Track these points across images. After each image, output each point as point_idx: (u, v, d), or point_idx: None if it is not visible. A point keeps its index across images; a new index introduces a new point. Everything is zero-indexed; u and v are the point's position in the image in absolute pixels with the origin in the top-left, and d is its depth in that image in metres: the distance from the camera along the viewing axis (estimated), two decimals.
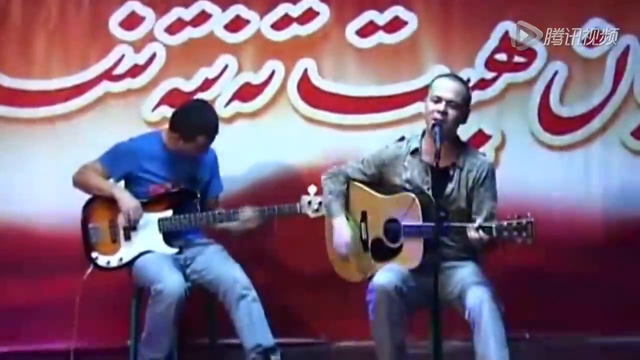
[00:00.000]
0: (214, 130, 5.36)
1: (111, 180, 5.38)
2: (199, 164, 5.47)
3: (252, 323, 5.16)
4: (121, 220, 5.29)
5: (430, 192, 4.83)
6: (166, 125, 5.46)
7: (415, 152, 4.93)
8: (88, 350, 5.62)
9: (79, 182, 5.39)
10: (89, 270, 5.30)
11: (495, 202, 4.87)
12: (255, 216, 5.37)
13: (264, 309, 5.22)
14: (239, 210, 5.37)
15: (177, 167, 5.40)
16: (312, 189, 5.38)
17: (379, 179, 5.03)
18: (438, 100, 4.80)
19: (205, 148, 5.40)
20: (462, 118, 4.86)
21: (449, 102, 4.78)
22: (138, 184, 5.38)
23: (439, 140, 4.71)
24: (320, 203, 5.34)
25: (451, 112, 4.78)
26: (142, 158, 5.38)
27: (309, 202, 5.39)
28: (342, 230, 5.01)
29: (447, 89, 4.81)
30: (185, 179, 5.42)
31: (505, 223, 4.58)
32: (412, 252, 4.83)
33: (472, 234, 4.65)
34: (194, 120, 5.33)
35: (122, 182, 5.41)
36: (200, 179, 5.48)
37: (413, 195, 4.84)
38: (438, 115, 4.77)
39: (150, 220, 5.31)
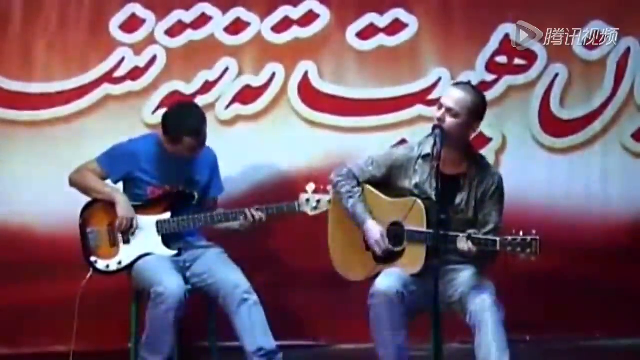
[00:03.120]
0: (199, 131, 5.32)
1: (109, 182, 5.38)
2: (197, 165, 5.47)
3: (253, 327, 5.16)
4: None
5: (436, 198, 4.79)
6: None
7: (427, 156, 4.91)
8: (88, 353, 5.61)
9: (76, 182, 5.38)
10: (89, 275, 5.29)
11: (501, 217, 4.87)
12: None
13: (264, 312, 5.22)
14: (238, 212, 5.37)
15: (174, 169, 5.40)
16: (310, 186, 5.38)
17: (387, 180, 5.01)
18: (440, 106, 4.81)
19: (196, 149, 5.37)
20: (466, 127, 4.81)
21: (447, 110, 4.78)
22: (136, 185, 5.38)
23: (439, 143, 4.70)
24: (318, 201, 5.35)
25: (448, 120, 4.77)
26: (140, 159, 5.37)
27: (307, 200, 5.38)
28: (376, 233, 4.94)
29: (449, 96, 4.81)
30: (184, 180, 5.41)
31: (509, 238, 4.59)
32: (414, 257, 4.83)
33: (462, 245, 4.66)
34: (178, 123, 5.32)
35: (121, 184, 5.42)
36: (198, 180, 5.47)
37: (414, 198, 4.84)
38: (436, 122, 4.78)
39: (149, 223, 5.31)
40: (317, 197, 5.36)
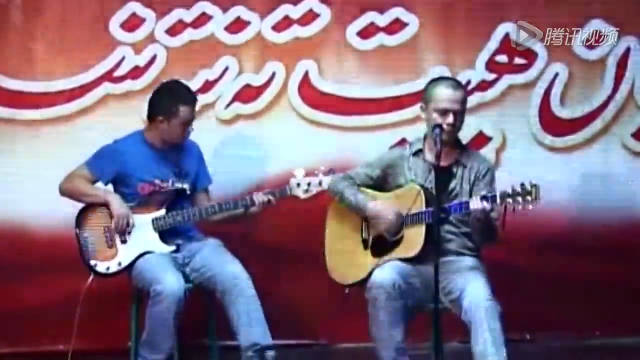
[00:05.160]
0: (192, 97, 5.38)
1: (100, 184, 5.39)
2: (184, 157, 5.47)
3: (249, 321, 5.14)
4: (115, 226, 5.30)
5: (433, 190, 4.84)
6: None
7: (418, 152, 4.98)
8: (89, 352, 5.62)
9: (67, 191, 5.39)
10: (90, 279, 5.28)
11: None
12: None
13: (264, 310, 5.21)
14: (232, 202, 5.37)
15: (163, 164, 5.41)
16: (298, 171, 5.38)
17: (383, 182, 5.04)
18: (445, 112, 4.81)
19: (190, 122, 5.36)
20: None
21: (458, 114, 4.82)
22: (125, 184, 5.38)
23: (439, 142, 4.73)
24: (309, 183, 5.34)
25: (459, 121, 4.84)
26: (128, 158, 5.38)
27: (298, 184, 5.37)
28: (385, 207, 4.94)
29: (453, 100, 4.83)
30: (172, 173, 5.41)
31: (509, 190, 4.62)
32: (413, 238, 4.84)
33: (476, 204, 4.66)
34: (172, 93, 5.37)
35: (111, 186, 5.42)
36: (186, 172, 5.46)
37: (418, 187, 4.86)
38: (448, 128, 4.80)
39: (145, 221, 5.30)
40: (307, 179, 5.35)
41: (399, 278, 4.75)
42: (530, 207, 4.58)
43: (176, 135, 5.37)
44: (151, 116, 5.41)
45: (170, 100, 5.34)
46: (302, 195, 5.36)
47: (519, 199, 4.59)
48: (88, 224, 5.32)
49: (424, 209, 4.82)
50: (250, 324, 5.16)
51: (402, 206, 4.91)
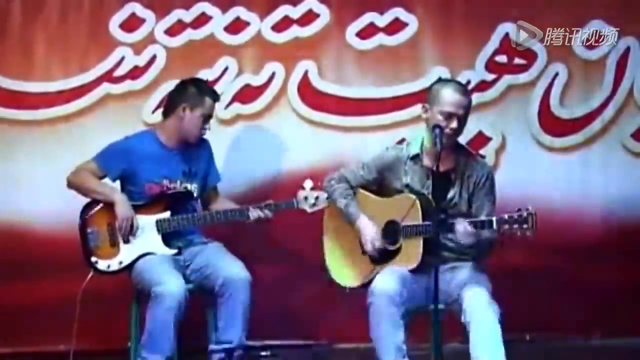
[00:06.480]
0: (217, 96, 5.46)
1: (107, 181, 5.38)
2: (194, 157, 5.46)
3: (231, 320, 5.15)
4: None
5: (430, 196, 4.83)
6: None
7: (415, 157, 4.94)
8: (89, 352, 5.62)
9: (74, 184, 5.37)
10: (90, 275, 5.28)
11: (494, 206, 4.88)
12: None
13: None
14: (238, 211, 5.37)
15: (172, 164, 5.41)
16: (307, 183, 5.36)
17: (380, 183, 5.04)
18: (449, 116, 4.77)
19: (209, 118, 5.39)
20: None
21: (462, 119, 4.79)
22: (133, 182, 5.38)
23: (439, 143, 4.71)
24: (317, 197, 5.32)
25: (462, 126, 4.81)
26: (137, 156, 5.37)
27: (306, 198, 5.36)
28: (370, 230, 4.96)
29: (459, 104, 4.78)
30: (181, 174, 5.41)
31: (505, 216, 4.59)
32: (411, 252, 4.83)
33: (460, 227, 4.65)
34: (197, 86, 5.43)
35: (118, 182, 5.41)
36: (195, 172, 5.46)
37: (414, 197, 4.84)
38: (450, 132, 4.77)
39: (149, 222, 5.30)
40: (315, 193, 5.34)
41: (400, 283, 4.75)
42: (528, 233, 4.57)
43: (194, 129, 5.37)
44: (172, 107, 5.41)
45: (198, 91, 5.38)
46: (309, 210, 5.33)
47: (515, 226, 4.57)
48: (92, 220, 5.31)
49: (420, 218, 4.80)
50: (230, 323, 5.16)
51: (396, 214, 4.89)
